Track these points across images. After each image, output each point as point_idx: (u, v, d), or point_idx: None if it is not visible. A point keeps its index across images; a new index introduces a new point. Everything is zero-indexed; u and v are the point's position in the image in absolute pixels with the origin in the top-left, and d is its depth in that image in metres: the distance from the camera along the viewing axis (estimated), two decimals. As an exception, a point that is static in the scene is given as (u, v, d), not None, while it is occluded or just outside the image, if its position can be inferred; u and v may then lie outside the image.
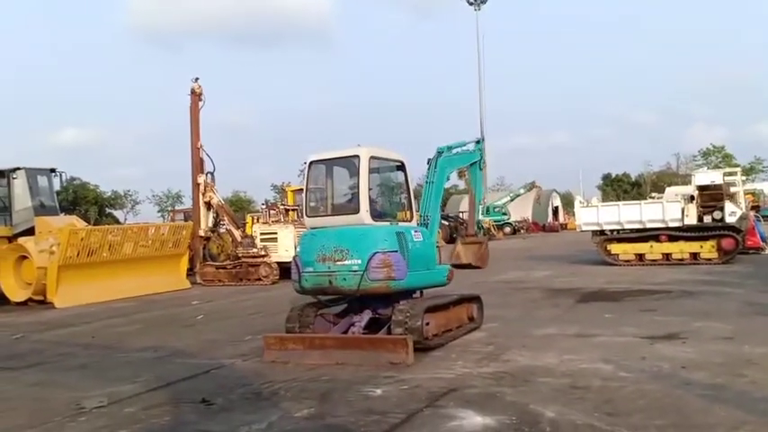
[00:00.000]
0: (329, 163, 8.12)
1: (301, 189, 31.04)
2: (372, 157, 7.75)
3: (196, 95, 18.93)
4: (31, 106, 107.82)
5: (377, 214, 7.74)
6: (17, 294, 14.95)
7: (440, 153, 9.07)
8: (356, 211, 7.58)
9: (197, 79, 18.94)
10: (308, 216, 8.19)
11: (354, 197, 7.71)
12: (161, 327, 10.77)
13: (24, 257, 14.97)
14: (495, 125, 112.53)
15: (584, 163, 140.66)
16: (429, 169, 8.92)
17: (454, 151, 9.60)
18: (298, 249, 8.17)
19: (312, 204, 8.36)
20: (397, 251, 7.46)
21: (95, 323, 11.46)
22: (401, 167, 8.27)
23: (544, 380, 5.92)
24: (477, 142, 10.45)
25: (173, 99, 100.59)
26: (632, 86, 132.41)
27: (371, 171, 7.74)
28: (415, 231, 8.03)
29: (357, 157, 7.66)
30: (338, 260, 7.47)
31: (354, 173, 7.73)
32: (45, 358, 8.33)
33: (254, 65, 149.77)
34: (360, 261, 7.33)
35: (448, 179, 9.76)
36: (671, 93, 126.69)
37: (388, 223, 7.83)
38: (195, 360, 7.66)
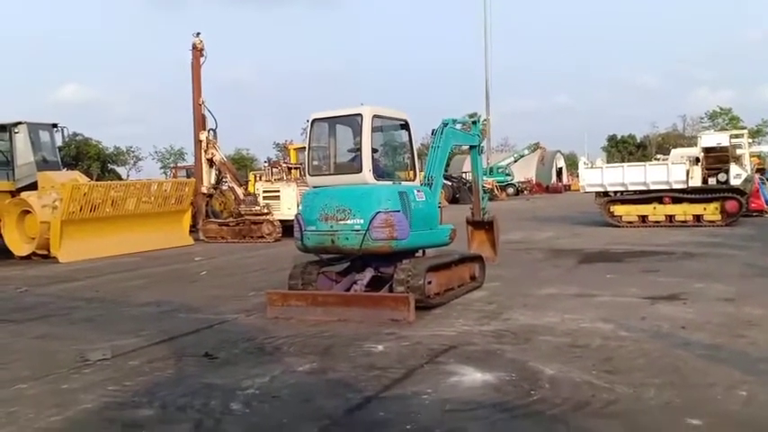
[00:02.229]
0: (332, 121, 8.04)
1: (304, 147, 30.88)
2: (375, 116, 7.65)
3: (198, 51, 18.68)
4: (31, 61, 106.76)
5: (380, 173, 7.68)
6: (21, 249, 15.04)
7: (445, 124, 8.99)
8: (359, 170, 7.52)
9: (198, 34, 18.68)
10: (310, 175, 8.14)
11: (357, 156, 7.65)
12: (164, 282, 10.84)
13: (27, 212, 15.01)
14: (500, 86, 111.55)
15: (590, 124, 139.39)
16: (435, 136, 8.86)
17: (458, 126, 9.50)
18: (300, 208, 8.14)
19: (315, 163, 8.30)
20: (399, 211, 7.43)
21: (99, 278, 11.54)
22: (405, 126, 8.18)
23: (544, 338, 5.96)
24: (475, 123, 10.28)
25: (175, 56, 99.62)
26: (638, 49, 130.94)
27: (375, 130, 7.66)
28: (418, 191, 7.98)
29: (360, 115, 7.56)
30: (340, 219, 7.46)
31: (357, 132, 7.65)
32: (49, 311, 8.41)
33: (258, 23, 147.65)
34: (362, 220, 7.32)
35: (452, 150, 9.70)
36: (677, 55, 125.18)
37: (390, 183, 7.78)
38: (199, 315, 7.73)
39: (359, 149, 7.60)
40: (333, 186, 7.77)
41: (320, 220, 7.59)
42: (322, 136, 8.21)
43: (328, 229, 7.53)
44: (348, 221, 7.42)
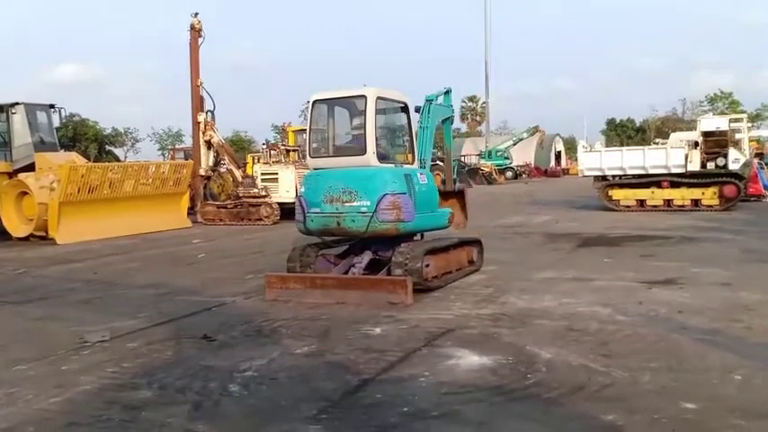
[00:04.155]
0: (333, 103, 7.98)
1: (303, 129, 30.83)
2: (379, 98, 7.62)
3: (196, 31, 18.55)
4: (27, 41, 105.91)
5: (381, 156, 7.67)
6: (19, 230, 15.03)
7: (429, 101, 8.95)
8: (363, 152, 7.50)
9: (196, 14, 18.54)
10: (311, 156, 8.08)
11: (361, 138, 7.61)
12: (162, 264, 10.84)
13: (25, 193, 14.97)
14: (499, 68, 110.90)
15: (589, 108, 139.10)
16: (422, 115, 8.81)
17: (438, 101, 9.46)
18: (302, 190, 8.07)
19: (315, 145, 8.25)
20: (405, 193, 7.44)
21: (97, 259, 11.55)
22: (405, 109, 8.14)
23: (541, 322, 5.99)
24: (447, 93, 10.19)
25: (174, 36, 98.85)
26: (638, 31, 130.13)
27: (377, 112, 7.63)
28: (421, 174, 8.00)
29: (364, 97, 7.51)
30: (346, 201, 7.43)
31: (360, 113, 7.62)
32: (48, 293, 8.42)
33: (258, 3, 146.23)
34: (369, 202, 7.32)
35: (437, 128, 9.68)
36: (678, 38, 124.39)
37: (392, 165, 7.77)
38: (197, 297, 7.74)
39: (363, 131, 7.55)
40: (337, 168, 7.72)
41: (325, 202, 7.55)
42: (323, 117, 8.14)
43: (334, 211, 7.50)
44: (354, 203, 7.40)
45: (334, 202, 7.50)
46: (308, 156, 8.21)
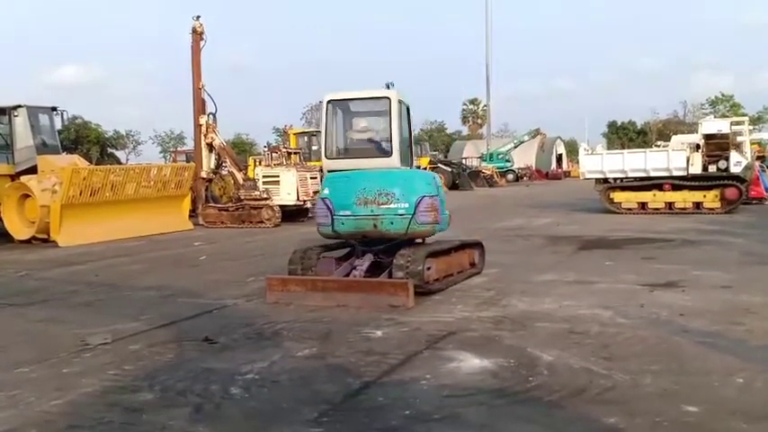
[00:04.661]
0: (350, 104, 7.98)
1: (305, 132, 30.83)
2: (399, 100, 7.70)
3: (197, 34, 18.53)
4: (27, 42, 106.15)
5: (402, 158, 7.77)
6: (21, 232, 15.02)
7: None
8: (388, 154, 7.55)
9: (198, 17, 18.53)
10: (327, 158, 7.95)
11: (385, 140, 7.68)
12: (164, 267, 10.85)
13: (27, 196, 14.98)
14: (498, 68, 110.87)
15: (590, 111, 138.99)
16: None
17: None
18: (325, 192, 7.78)
19: (334, 146, 8.11)
20: (437, 195, 7.55)
21: (99, 262, 11.56)
22: (408, 111, 8.17)
23: (543, 325, 5.99)
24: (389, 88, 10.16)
25: (175, 37, 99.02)
26: (637, 32, 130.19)
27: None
28: (436, 176, 8.11)
29: (388, 99, 7.57)
30: (382, 203, 7.41)
31: (380, 115, 7.69)
32: (50, 295, 8.42)
33: (259, 5, 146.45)
34: (407, 204, 7.35)
35: None
36: (677, 39, 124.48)
37: (407, 167, 7.83)
38: (198, 300, 7.75)
39: (388, 133, 7.62)
40: (359, 170, 7.68)
41: (358, 205, 7.47)
42: (338, 118, 8.09)
43: (369, 213, 7.45)
44: (392, 205, 7.39)
45: (369, 204, 7.44)
46: (323, 157, 8.06)
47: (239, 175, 19.08)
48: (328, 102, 7.91)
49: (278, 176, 18.58)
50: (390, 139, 7.52)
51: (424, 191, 7.41)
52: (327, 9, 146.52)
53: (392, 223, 7.40)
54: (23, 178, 15.30)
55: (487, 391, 4.30)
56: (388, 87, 7.79)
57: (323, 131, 8.14)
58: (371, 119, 7.96)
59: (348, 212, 7.52)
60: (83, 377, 4.85)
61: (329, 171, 7.98)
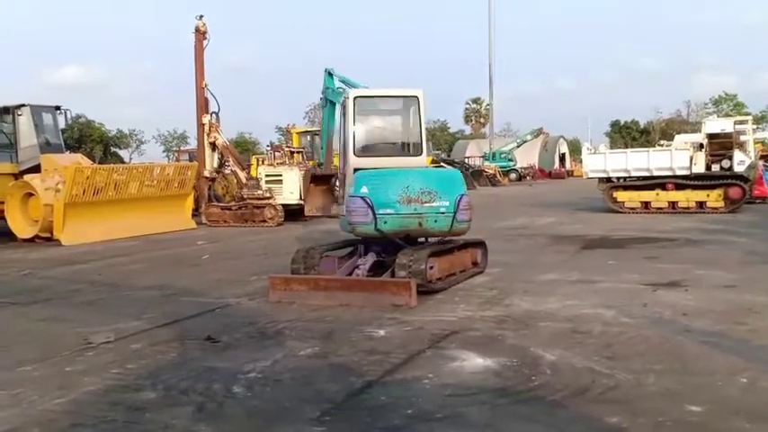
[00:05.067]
0: (377, 101, 8.04)
1: (307, 131, 30.77)
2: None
3: (200, 34, 18.55)
4: (28, 42, 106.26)
5: None
6: (24, 231, 15.05)
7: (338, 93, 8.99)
8: (418, 152, 7.63)
9: (201, 17, 18.56)
10: (356, 155, 7.86)
11: (415, 138, 7.85)
12: (167, 266, 10.86)
13: (31, 195, 15.00)
14: (500, 68, 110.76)
15: (592, 110, 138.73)
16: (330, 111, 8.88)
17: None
18: (363, 190, 7.53)
19: (364, 144, 8.05)
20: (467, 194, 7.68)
21: (102, 261, 11.57)
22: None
23: (545, 324, 5.98)
24: (330, 75, 9.97)
25: (176, 36, 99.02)
26: (638, 31, 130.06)
27: None
28: None
29: (416, 98, 7.67)
30: (426, 202, 7.44)
31: (406, 113, 7.79)
32: (53, 294, 8.44)
33: (262, 4, 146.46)
34: (448, 203, 7.43)
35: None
36: (678, 39, 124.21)
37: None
38: (201, 299, 7.75)
39: (418, 131, 7.83)
40: (405, 168, 7.78)
41: (400, 203, 7.46)
42: (365, 115, 8.08)
43: (412, 212, 7.46)
44: (434, 204, 7.45)
45: (413, 202, 7.45)
46: (351, 154, 7.95)
47: (242, 175, 19.09)
48: (355, 98, 7.82)
49: (281, 175, 18.61)
50: (420, 138, 7.59)
51: (462, 190, 7.58)
52: (330, 7, 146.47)
53: (436, 221, 7.48)
54: (27, 177, 15.31)
55: (490, 390, 4.29)
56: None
57: (348, 128, 8.00)
58: (396, 117, 8.01)
59: (391, 211, 7.46)
60: (85, 376, 4.85)
61: (355, 169, 7.85)
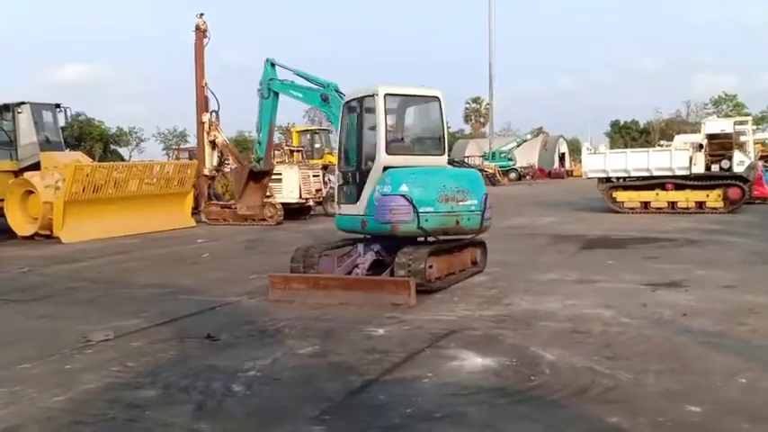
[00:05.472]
0: (404, 99, 8.14)
1: (307, 130, 30.74)
2: None
3: (201, 32, 18.53)
4: (31, 42, 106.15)
5: None
6: (24, 229, 15.06)
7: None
8: (442, 152, 7.95)
9: (202, 15, 18.54)
10: (387, 153, 7.70)
11: (437, 138, 8.08)
12: (166, 264, 10.86)
13: (30, 192, 15.00)
14: (499, 67, 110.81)
15: (592, 110, 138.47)
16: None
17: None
18: (404, 188, 7.37)
19: (396, 143, 7.97)
20: None
21: (101, 259, 11.57)
22: None
23: (545, 324, 5.98)
24: (273, 65, 9.70)
25: (176, 35, 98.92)
26: (638, 31, 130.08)
27: None
28: None
29: (437, 98, 7.89)
30: (460, 201, 7.64)
31: (432, 113, 7.98)
32: (52, 292, 8.44)
33: (263, 3, 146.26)
34: (476, 201, 7.71)
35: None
36: (678, 39, 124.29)
37: None
38: (200, 297, 7.75)
39: (441, 132, 8.10)
40: (438, 167, 8.00)
41: (440, 201, 7.53)
42: (393, 113, 8.11)
43: (449, 210, 7.60)
44: (467, 202, 7.70)
45: (450, 201, 7.58)
46: (383, 152, 7.69)
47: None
48: (385, 95, 7.67)
49: (280, 174, 18.59)
50: (443, 137, 7.86)
51: (484, 189, 7.91)
52: (330, 7, 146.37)
53: (469, 219, 7.68)
54: (27, 175, 15.32)
55: (489, 389, 4.29)
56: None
57: (382, 123, 7.72)
58: (422, 116, 8.13)
59: (431, 209, 7.48)
60: (85, 373, 4.85)
61: (385, 167, 7.64)
